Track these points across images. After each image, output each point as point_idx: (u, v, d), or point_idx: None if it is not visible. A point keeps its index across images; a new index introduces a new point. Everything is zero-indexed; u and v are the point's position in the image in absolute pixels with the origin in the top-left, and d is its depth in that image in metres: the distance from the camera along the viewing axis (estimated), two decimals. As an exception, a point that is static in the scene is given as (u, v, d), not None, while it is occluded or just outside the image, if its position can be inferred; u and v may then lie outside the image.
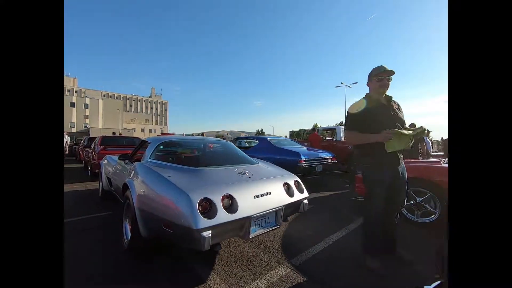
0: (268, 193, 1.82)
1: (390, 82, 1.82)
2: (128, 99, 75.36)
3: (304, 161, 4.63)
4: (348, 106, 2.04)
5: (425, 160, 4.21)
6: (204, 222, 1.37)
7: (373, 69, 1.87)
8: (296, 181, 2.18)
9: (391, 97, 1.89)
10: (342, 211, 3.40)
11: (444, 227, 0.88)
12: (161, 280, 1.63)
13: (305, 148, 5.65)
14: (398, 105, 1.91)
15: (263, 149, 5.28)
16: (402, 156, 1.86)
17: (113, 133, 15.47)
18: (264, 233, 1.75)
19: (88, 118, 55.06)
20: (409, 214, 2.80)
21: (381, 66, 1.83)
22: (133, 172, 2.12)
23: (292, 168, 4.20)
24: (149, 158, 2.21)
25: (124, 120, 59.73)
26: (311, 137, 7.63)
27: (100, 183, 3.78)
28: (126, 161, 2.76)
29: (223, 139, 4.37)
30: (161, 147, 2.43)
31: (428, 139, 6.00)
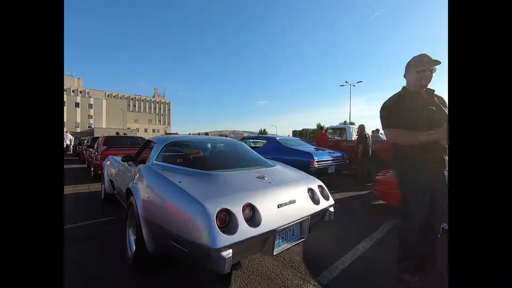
0: (293, 201, 1.58)
1: (433, 74, 1.56)
2: (132, 99, 75.72)
3: (317, 162, 4.38)
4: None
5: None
6: (223, 239, 1.13)
7: (413, 58, 1.61)
8: (320, 186, 1.93)
9: (433, 91, 1.63)
10: (363, 216, 3.14)
11: None
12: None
13: (314, 148, 5.40)
14: (442, 99, 1.65)
15: (272, 149, 5.03)
16: (447, 158, 1.60)
17: (117, 133, 15.37)
18: (289, 247, 1.51)
19: (92, 118, 55.43)
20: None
21: (424, 55, 1.57)
22: (137, 175, 1.89)
23: (304, 169, 3.93)
24: (155, 160, 1.98)
25: (127, 120, 59.99)
26: (318, 136, 7.38)
27: (103, 186, 3.58)
28: (130, 162, 2.54)
29: None
30: (169, 147, 2.19)
31: None
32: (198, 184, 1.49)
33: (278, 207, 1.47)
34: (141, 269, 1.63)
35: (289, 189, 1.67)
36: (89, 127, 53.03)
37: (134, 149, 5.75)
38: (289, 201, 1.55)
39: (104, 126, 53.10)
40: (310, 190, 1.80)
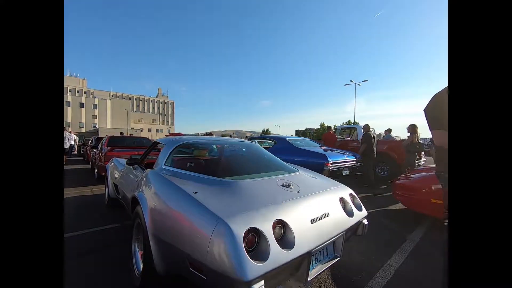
0: (326, 214, 1.34)
1: None
2: (135, 99, 76.08)
3: (331, 164, 4.13)
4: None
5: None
6: (254, 268, 0.90)
7: None
8: (351, 195, 1.69)
9: None
10: (387, 224, 2.89)
11: None
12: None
13: (326, 149, 5.15)
14: None
15: (283, 150, 4.79)
16: None
17: (121, 133, 15.28)
18: (323, 270, 1.28)
19: (96, 118, 55.81)
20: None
21: None
22: (144, 182, 1.68)
23: (318, 172, 3.72)
24: (164, 164, 1.76)
25: (131, 120, 60.26)
26: (325, 136, 7.12)
27: (106, 189, 3.38)
28: (135, 166, 2.33)
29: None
30: (179, 150, 1.97)
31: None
32: (216, 195, 1.26)
33: (312, 222, 1.23)
34: None
35: (321, 199, 1.43)
36: (93, 127, 53.40)
37: (138, 150, 5.57)
38: (322, 214, 1.32)
39: (108, 126, 53.42)
40: (342, 200, 1.57)
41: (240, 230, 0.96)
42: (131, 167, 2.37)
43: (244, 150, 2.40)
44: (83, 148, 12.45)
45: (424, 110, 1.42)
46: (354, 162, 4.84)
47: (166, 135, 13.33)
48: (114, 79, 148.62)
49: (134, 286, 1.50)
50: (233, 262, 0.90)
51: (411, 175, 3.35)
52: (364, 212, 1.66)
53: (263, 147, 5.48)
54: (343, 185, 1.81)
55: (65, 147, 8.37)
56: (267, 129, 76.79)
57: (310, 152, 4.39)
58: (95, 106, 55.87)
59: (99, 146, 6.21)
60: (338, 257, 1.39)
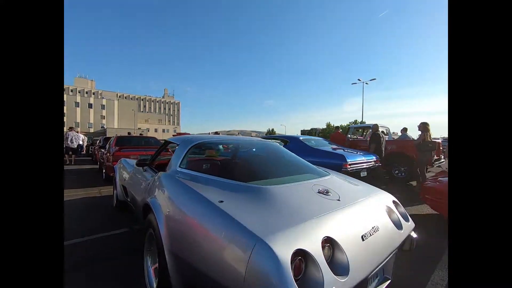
0: (376, 228, 1.11)
1: None
2: (142, 99, 76.99)
3: (350, 165, 3.87)
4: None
5: None
6: None
7: None
8: (395, 202, 1.45)
9: None
10: (419, 233, 2.61)
11: None
12: None
13: (338, 148, 4.88)
14: None
15: (296, 150, 4.47)
16: None
17: (128, 133, 15.32)
18: None
19: (104, 118, 56.72)
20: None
21: None
22: (157, 187, 1.48)
23: (336, 173, 3.48)
24: (179, 166, 1.56)
25: (138, 120, 61.00)
26: (333, 135, 6.84)
27: (115, 191, 3.23)
28: (146, 167, 2.15)
29: None
30: (195, 150, 1.76)
31: None
32: (246, 204, 1.05)
33: (363, 239, 1.00)
34: None
35: (366, 210, 1.20)
36: (101, 127, 54.30)
37: (147, 150, 5.44)
38: (372, 228, 1.09)
39: (116, 126, 54.20)
40: (388, 209, 1.33)
41: (286, 253, 0.75)
42: (140, 168, 2.19)
43: (264, 150, 2.16)
44: (91, 148, 12.50)
45: None
46: (373, 162, 4.57)
47: (173, 135, 13.27)
48: (121, 80, 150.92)
49: None
50: None
51: (442, 178, 3.07)
52: (412, 223, 1.42)
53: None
54: (383, 190, 1.57)
55: (72, 147, 8.35)
56: (272, 129, 76.31)
57: (327, 153, 4.14)
58: (103, 107, 56.80)
59: (107, 146, 6.12)
60: (389, 279, 1.16)
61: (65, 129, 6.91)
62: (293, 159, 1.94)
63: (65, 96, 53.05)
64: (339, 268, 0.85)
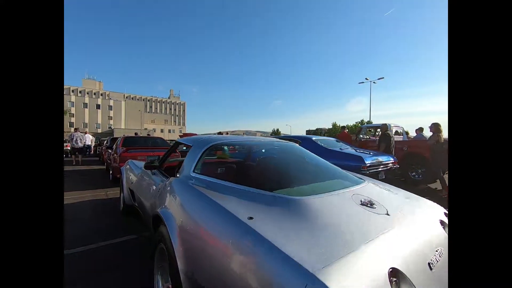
0: (440, 252, 0.90)
1: None
2: (149, 100, 77.88)
3: (368, 167, 3.63)
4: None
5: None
6: None
7: None
8: (446, 215, 1.23)
9: None
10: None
11: None
12: None
13: (354, 149, 4.64)
14: None
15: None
16: None
17: (135, 133, 15.38)
18: None
19: (112, 119, 57.60)
20: None
21: None
22: (169, 195, 1.30)
23: (354, 176, 3.25)
24: (193, 171, 1.38)
25: (144, 120, 61.69)
26: (340, 136, 6.59)
27: (122, 195, 3.08)
28: (154, 171, 1.98)
29: None
30: (210, 152, 1.57)
31: None
32: (281, 222, 0.85)
33: (431, 268, 0.79)
34: None
35: (422, 227, 0.99)
36: (109, 127, 55.15)
37: (154, 150, 5.32)
38: (436, 252, 0.88)
39: (123, 126, 54.96)
40: (442, 224, 1.11)
41: None
42: (149, 172, 2.02)
43: (283, 151, 1.94)
44: (98, 148, 12.56)
45: None
46: (390, 164, 4.31)
47: (179, 135, 13.20)
48: (128, 81, 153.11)
49: None
50: None
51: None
52: None
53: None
54: (428, 199, 1.35)
55: (77, 147, 8.35)
56: (277, 129, 75.88)
57: (343, 154, 3.90)
58: (110, 108, 57.70)
59: (114, 146, 6.04)
60: None
61: (72, 130, 6.89)
62: (318, 162, 1.74)
63: (73, 97, 54.17)
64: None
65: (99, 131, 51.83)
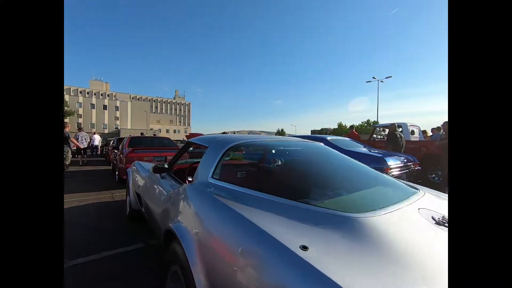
0: None
1: None
2: (154, 101, 78.63)
3: (390, 169, 3.36)
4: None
5: None
6: None
7: None
8: None
9: None
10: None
11: None
12: None
13: (373, 150, 4.37)
14: None
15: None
16: None
17: (141, 133, 15.36)
18: None
19: (118, 119, 58.35)
20: None
21: None
22: (184, 207, 1.09)
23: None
24: (212, 177, 1.16)
25: (150, 121, 62.27)
26: (348, 136, 6.30)
27: (128, 198, 2.90)
28: (164, 175, 1.77)
29: None
30: (230, 154, 1.35)
31: None
32: (346, 254, 0.62)
33: None
34: None
35: None
36: (115, 128, 55.89)
37: (161, 151, 5.15)
38: None
39: (129, 127, 55.62)
40: None
41: None
42: (158, 176, 1.82)
43: (311, 153, 1.67)
44: (105, 148, 12.55)
45: None
46: (412, 165, 4.01)
47: (186, 135, 13.09)
48: (134, 82, 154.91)
49: None
50: None
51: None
52: None
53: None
54: None
55: (81, 147, 8.31)
56: (282, 129, 75.40)
57: (363, 155, 3.63)
58: (117, 108, 58.50)
59: (120, 146, 5.91)
60: None
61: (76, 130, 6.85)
62: (353, 164, 1.49)
63: (81, 98, 55.12)
64: None
65: (106, 131, 52.54)
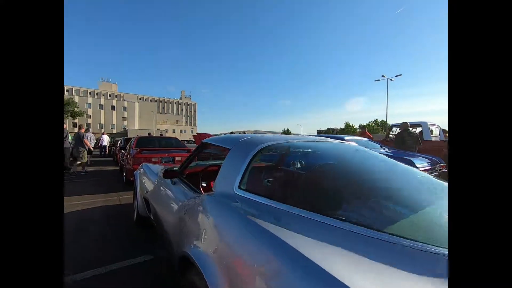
0: None
1: None
2: (161, 101, 79.51)
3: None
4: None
5: None
6: None
7: None
8: None
9: None
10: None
11: None
12: None
13: (396, 151, 4.07)
14: None
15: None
16: None
17: (149, 133, 15.37)
18: None
19: (126, 120, 59.24)
20: None
21: None
22: (203, 226, 0.86)
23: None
24: (238, 187, 0.93)
25: (157, 121, 62.96)
26: (360, 135, 5.97)
27: (135, 203, 2.71)
28: (175, 180, 1.56)
29: None
30: (260, 157, 1.10)
31: None
32: None
33: None
34: None
35: None
36: (123, 128, 56.76)
37: (169, 152, 4.98)
38: None
39: (136, 127, 56.39)
40: None
41: None
42: (169, 181, 1.60)
43: (350, 157, 1.38)
44: (113, 148, 12.59)
45: None
46: (439, 167, 3.70)
47: (193, 136, 12.96)
48: (141, 82, 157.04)
49: None
50: None
51: None
52: None
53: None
54: None
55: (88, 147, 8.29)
56: (288, 129, 74.79)
57: (390, 156, 3.34)
58: (124, 109, 59.40)
59: (128, 147, 5.79)
60: None
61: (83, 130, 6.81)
62: (400, 168, 1.23)
63: (90, 99, 56.25)
64: None
65: (114, 131, 53.42)
